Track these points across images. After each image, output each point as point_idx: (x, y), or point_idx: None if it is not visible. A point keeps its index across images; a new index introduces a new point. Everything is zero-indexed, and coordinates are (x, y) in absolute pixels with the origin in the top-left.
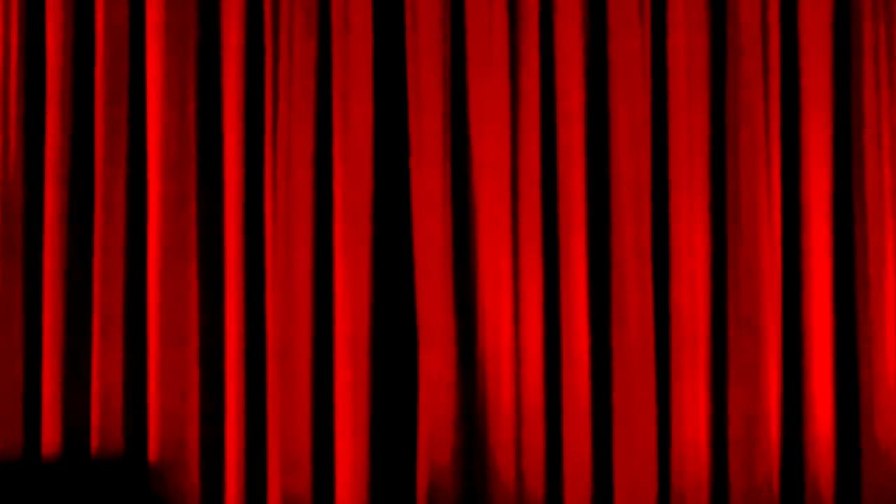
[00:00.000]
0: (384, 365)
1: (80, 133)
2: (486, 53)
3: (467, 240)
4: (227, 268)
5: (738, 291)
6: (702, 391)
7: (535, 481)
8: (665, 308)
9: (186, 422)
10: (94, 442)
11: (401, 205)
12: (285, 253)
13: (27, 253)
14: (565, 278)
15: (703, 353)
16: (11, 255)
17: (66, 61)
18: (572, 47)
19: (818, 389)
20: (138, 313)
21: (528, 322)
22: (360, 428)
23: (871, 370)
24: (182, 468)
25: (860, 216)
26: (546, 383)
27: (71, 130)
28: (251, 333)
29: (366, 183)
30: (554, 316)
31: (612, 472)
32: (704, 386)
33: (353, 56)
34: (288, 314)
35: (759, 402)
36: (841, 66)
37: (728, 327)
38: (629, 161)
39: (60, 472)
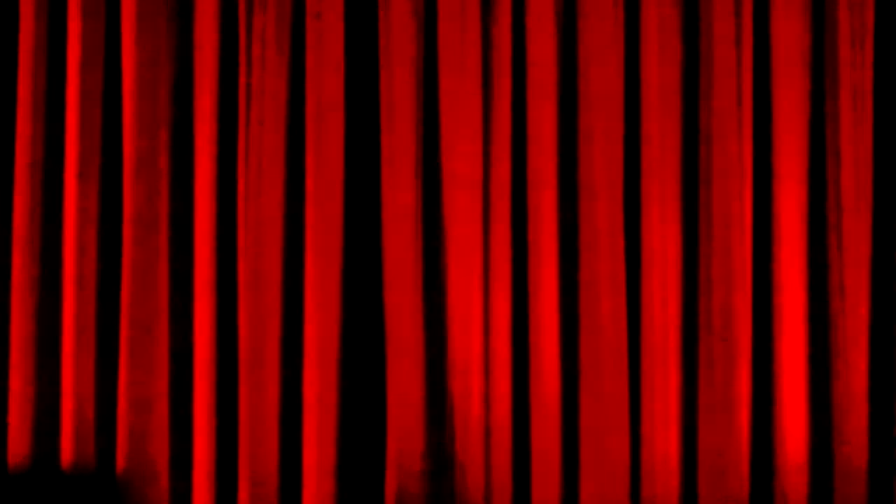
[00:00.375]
0: (353, 375)
1: (52, 140)
2: (459, 66)
3: (437, 251)
4: (196, 280)
5: (709, 301)
6: (673, 403)
7: (504, 492)
8: (637, 318)
9: (155, 435)
10: (65, 455)
11: (371, 216)
12: (256, 264)
13: None
14: (535, 289)
15: (675, 363)
16: None
17: (38, 74)
18: (545, 61)
19: (789, 399)
20: (110, 327)
21: (498, 333)
22: (328, 439)
23: (843, 380)
24: (151, 481)
25: (834, 225)
26: (515, 394)
27: (43, 138)
28: (221, 346)
29: (337, 194)
30: (523, 326)
31: (581, 484)
32: (675, 398)
33: (325, 70)
34: (258, 325)
35: (730, 413)
36: (815, 74)
37: (699, 337)
38: (601, 172)
39: (30, 484)
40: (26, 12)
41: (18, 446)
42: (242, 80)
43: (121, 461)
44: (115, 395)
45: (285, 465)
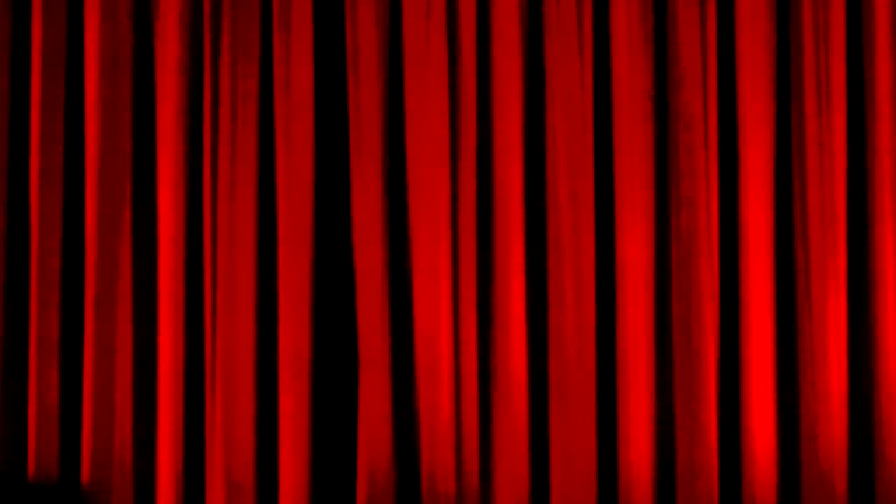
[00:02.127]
0: (325, 385)
1: (15, 149)
2: (424, 75)
3: (405, 261)
4: (161, 291)
5: (679, 310)
6: (644, 411)
7: (473, 500)
8: (608, 325)
9: (119, 446)
10: (31, 465)
11: (341, 225)
12: (227, 276)
13: None
14: (503, 297)
15: (647, 369)
16: None
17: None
18: (510, 65)
19: (757, 408)
20: (74, 337)
21: (466, 341)
22: (301, 449)
23: (811, 389)
24: (116, 492)
25: (801, 234)
26: (482, 402)
27: (7, 148)
28: (188, 356)
29: (307, 204)
30: (491, 335)
31: (551, 492)
32: (648, 406)
33: (294, 81)
34: (231, 337)
35: (700, 418)
36: (781, 92)
37: (673, 346)
38: (568, 179)
39: None
40: None
41: None
42: (208, 97)
43: (85, 472)
44: (80, 405)
45: (260, 476)
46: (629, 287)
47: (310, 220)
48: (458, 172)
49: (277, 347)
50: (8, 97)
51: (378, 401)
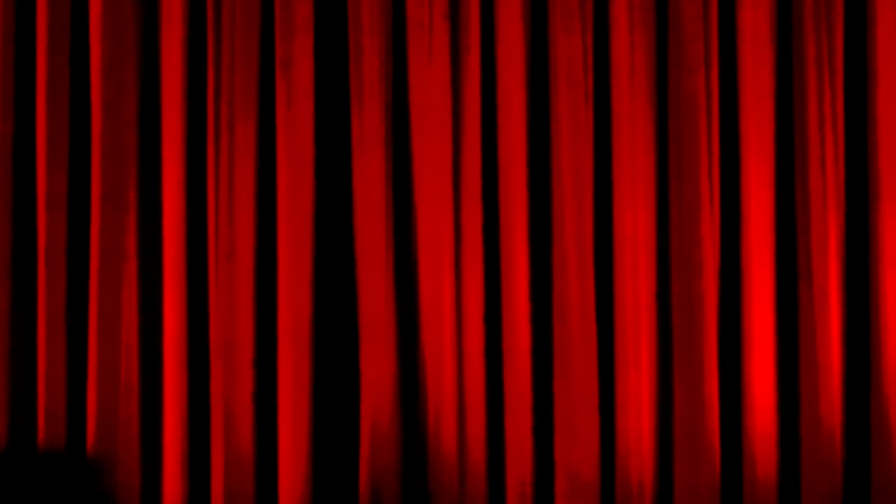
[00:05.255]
0: (326, 359)
1: (21, 132)
2: (427, 47)
3: (409, 235)
4: (165, 264)
5: (680, 285)
6: (645, 385)
7: (477, 473)
8: (609, 302)
9: (126, 418)
10: (39, 436)
11: (343, 201)
12: (228, 249)
13: None
14: (506, 272)
15: (647, 346)
16: None
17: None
18: (514, 41)
19: (758, 384)
20: (81, 308)
21: (470, 316)
22: (303, 423)
23: (811, 363)
24: (122, 463)
25: (802, 211)
26: (487, 375)
27: (13, 131)
28: (193, 329)
29: (308, 179)
30: (495, 309)
31: (554, 465)
32: (648, 379)
33: (296, 52)
34: (230, 310)
35: (701, 391)
36: (783, 64)
37: (673, 319)
38: (571, 157)
39: (4, 465)
40: None
41: None
42: (211, 66)
43: (91, 442)
44: (86, 376)
45: (260, 450)
46: (630, 260)
47: (311, 190)
48: (462, 143)
49: (277, 318)
50: (13, 70)
51: (381, 372)
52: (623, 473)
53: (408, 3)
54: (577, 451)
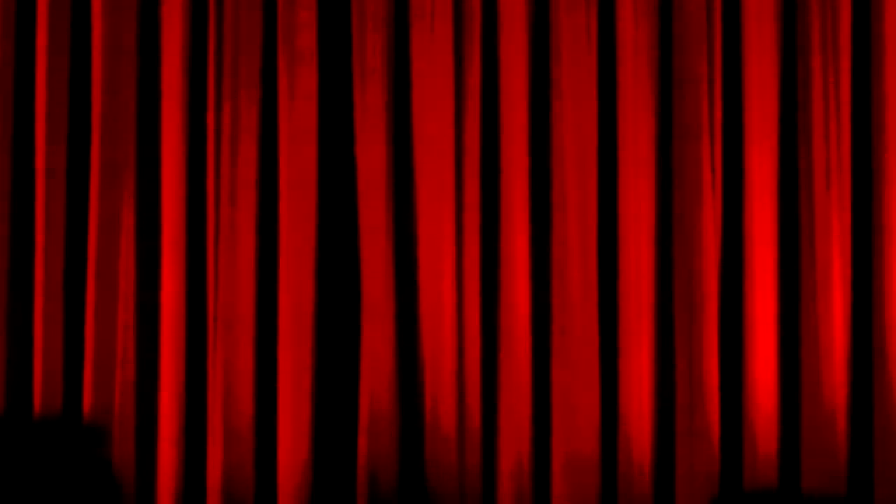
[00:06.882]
0: (327, 333)
1: (21, 108)
2: (429, 26)
3: (410, 216)
4: (164, 239)
5: (681, 266)
6: (646, 364)
7: (475, 448)
8: (610, 282)
9: (123, 391)
10: (36, 402)
11: (345, 181)
12: (229, 226)
13: None
14: (507, 253)
15: (648, 326)
16: None
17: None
18: (517, 18)
19: (760, 364)
20: (78, 275)
21: (469, 295)
22: (303, 398)
23: (814, 348)
24: (116, 429)
25: (806, 193)
26: (486, 358)
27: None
28: (191, 303)
29: (310, 158)
30: (494, 285)
31: (552, 440)
32: (649, 359)
33: (298, 29)
34: (232, 285)
35: (700, 376)
36: (787, 43)
37: (674, 302)
38: (574, 138)
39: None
40: None
41: None
42: (212, 43)
43: (87, 408)
44: (83, 343)
45: (259, 424)
46: (632, 241)
47: (314, 169)
48: (463, 123)
49: (279, 296)
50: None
51: (381, 349)
52: (624, 453)
53: None
54: (576, 432)
